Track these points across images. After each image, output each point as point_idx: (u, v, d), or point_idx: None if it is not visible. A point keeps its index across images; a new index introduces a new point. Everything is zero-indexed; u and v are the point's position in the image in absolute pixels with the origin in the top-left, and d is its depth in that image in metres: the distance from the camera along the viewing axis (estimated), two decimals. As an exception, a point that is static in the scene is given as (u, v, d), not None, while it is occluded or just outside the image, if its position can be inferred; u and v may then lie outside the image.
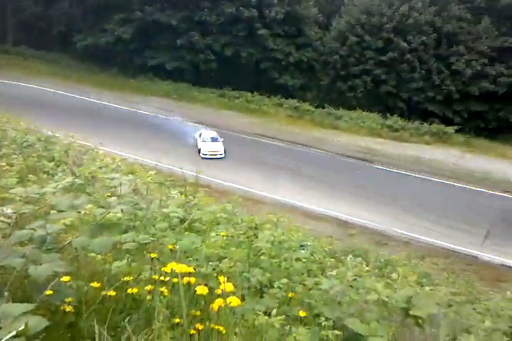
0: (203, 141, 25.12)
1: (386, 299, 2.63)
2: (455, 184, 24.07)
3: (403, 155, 27.48)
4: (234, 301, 2.07)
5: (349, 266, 5.81)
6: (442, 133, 30.75)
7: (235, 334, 2.11)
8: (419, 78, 33.04)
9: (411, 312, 2.51)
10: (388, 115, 32.36)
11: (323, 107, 34.10)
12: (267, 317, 2.42)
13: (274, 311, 2.48)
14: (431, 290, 6.89)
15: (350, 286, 3.75)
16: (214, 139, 25.32)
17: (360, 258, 8.46)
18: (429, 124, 31.33)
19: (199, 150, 24.93)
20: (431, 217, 19.97)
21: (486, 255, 17.83)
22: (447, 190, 23.31)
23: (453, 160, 27.15)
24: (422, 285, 6.69)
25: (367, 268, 6.91)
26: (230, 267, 3.40)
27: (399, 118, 32.05)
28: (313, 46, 36.74)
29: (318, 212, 20.20)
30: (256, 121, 31.55)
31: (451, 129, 30.85)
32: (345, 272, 4.82)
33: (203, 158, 24.42)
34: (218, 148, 24.84)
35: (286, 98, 34.97)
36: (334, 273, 4.98)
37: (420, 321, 2.57)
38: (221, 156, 24.78)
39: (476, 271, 16.08)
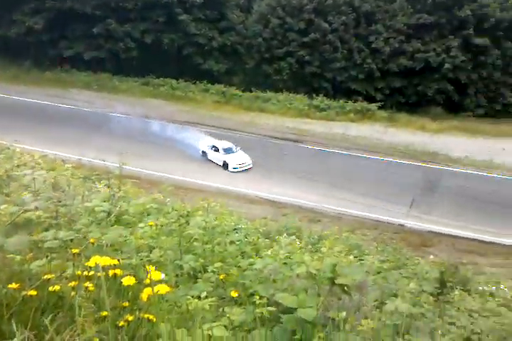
0: (224, 153, 23.29)
1: (314, 271, 2.71)
2: (380, 158, 25.15)
3: (330, 133, 28.27)
4: (162, 289, 2.06)
5: (282, 244, 5.95)
6: (366, 110, 31.94)
7: (163, 321, 2.12)
8: (341, 58, 33.87)
9: (336, 281, 2.62)
10: (314, 95, 33.08)
11: (251, 91, 34.23)
12: (197, 300, 2.44)
13: (204, 294, 2.51)
14: (360, 260, 7.23)
15: (284, 263, 3.84)
16: (231, 150, 23.58)
17: (293, 237, 8.69)
18: (354, 102, 32.43)
19: (225, 165, 23.03)
20: (360, 191, 20.85)
21: (412, 223, 18.96)
22: (373, 165, 24.34)
23: (377, 135, 28.30)
24: (351, 256, 7.01)
25: (300, 245, 7.12)
26: (161, 256, 3.37)
27: (324, 98, 32.88)
28: (236, 30, 36.46)
29: (251, 195, 20.49)
30: (183, 109, 31.14)
31: (374, 106, 32.13)
32: (278, 251, 4.92)
33: (232, 172, 22.76)
34: (245, 158, 23.24)
35: (213, 83, 34.73)
36: (269, 252, 5.07)
37: (346, 289, 2.68)
38: (250, 166, 23.18)
39: (403, 238, 17.08)
